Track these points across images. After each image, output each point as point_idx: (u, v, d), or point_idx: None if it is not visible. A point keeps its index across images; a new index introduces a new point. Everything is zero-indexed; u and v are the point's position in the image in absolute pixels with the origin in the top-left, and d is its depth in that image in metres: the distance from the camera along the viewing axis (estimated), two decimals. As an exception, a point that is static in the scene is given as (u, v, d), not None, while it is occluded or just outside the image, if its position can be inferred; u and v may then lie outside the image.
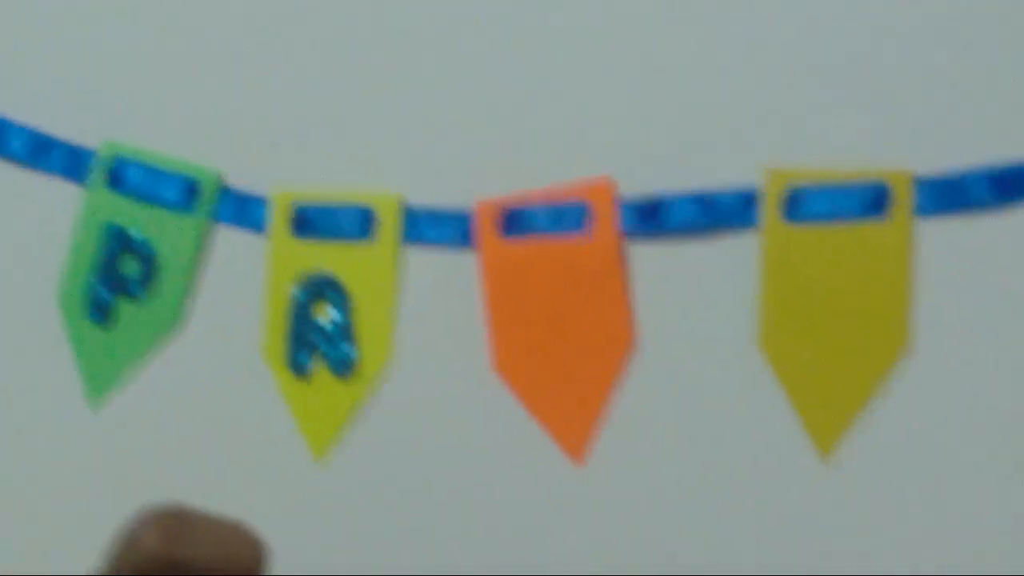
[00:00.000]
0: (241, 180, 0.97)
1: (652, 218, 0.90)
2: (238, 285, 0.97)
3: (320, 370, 0.95)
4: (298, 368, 0.95)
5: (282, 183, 0.96)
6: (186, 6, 0.98)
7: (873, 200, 0.87)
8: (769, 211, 0.88)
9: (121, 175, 0.99)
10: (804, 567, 0.87)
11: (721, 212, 0.89)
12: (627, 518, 0.90)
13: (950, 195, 0.86)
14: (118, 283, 0.98)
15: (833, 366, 0.87)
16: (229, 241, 0.98)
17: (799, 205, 0.88)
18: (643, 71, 0.91)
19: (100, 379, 0.99)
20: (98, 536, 0.97)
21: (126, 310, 0.98)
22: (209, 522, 0.56)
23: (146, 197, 0.98)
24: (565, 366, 0.91)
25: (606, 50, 0.91)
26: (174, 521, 0.55)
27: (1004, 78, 0.85)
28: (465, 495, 0.93)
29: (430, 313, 0.94)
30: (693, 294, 0.90)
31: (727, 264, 0.89)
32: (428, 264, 0.94)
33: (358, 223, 0.95)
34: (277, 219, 0.96)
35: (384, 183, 0.95)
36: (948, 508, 0.86)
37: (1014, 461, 0.85)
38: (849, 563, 0.87)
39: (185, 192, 0.98)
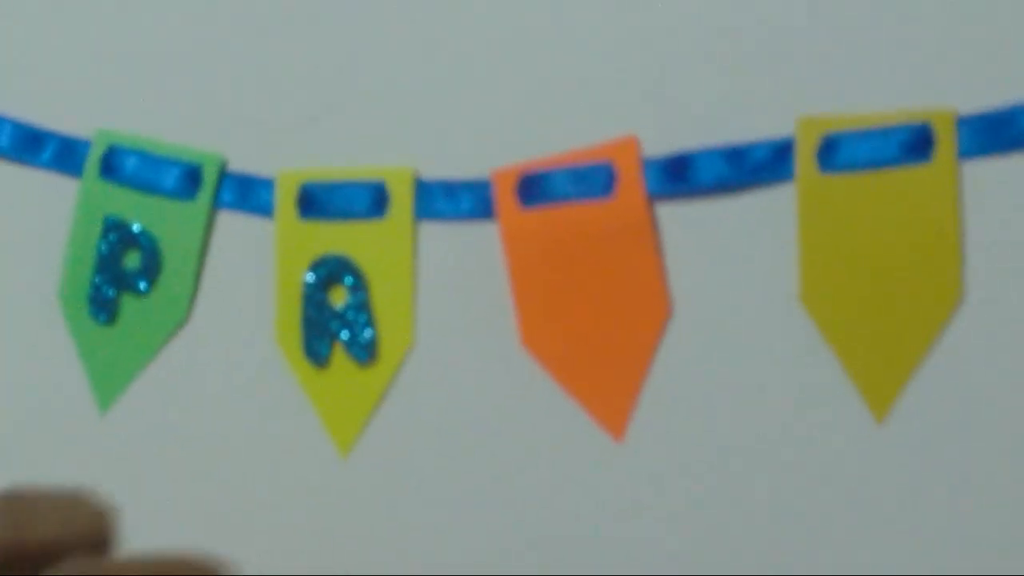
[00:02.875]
0: (244, 164, 0.93)
1: (680, 176, 0.86)
2: (247, 273, 0.93)
3: (339, 357, 0.91)
4: (316, 357, 0.91)
5: (287, 164, 0.92)
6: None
7: (914, 143, 0.82)
8: (803, 162, 0.84)
9: (117, 165, 0.95)
10: (863, 536, 0.83)
11: (753, 166, 0.85)
12: (672, 494, 0.86)
13: (996, 133, 0.81)
14: (121, 278, 0.94)
15: (883, 321, 0.83)
16: (235, 228, 0.94)
17: (835, 154, 0.83)
18: (663, 20, 0.86)
19: (108, 379, 0.96)
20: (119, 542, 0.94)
21: (131, 306, 0.94)
22: (48, 498, 0.54)
23: (145, 186, 0.94)
24: (598, 338, 0.87)
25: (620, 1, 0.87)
26: (14, 505, 0.54)
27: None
28: (501, 480, 0.89)
29: (451, 291, 0.90)
30: (729, 255, 0.85)
31: (763, 221, 0.85)
32: (445, 239, 0.90)
33: (369, 200, 0.91)
34: (283, 201, 0.92)
35: (394, 158, 0.91)
36: (1013, 469, 0.81)
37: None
38: (911, 529, 0.82)
39: (185, 178, 0.94)
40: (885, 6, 0.83)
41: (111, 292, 0.95)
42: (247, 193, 0.93)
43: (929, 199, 0.82)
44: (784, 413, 0.84)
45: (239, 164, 0.94)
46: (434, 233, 0.90)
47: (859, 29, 0.83)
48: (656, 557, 0.86)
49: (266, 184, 0.93)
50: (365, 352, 0.90)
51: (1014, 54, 0.81)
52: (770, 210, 0.85)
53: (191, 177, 0.94)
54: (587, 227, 0.87)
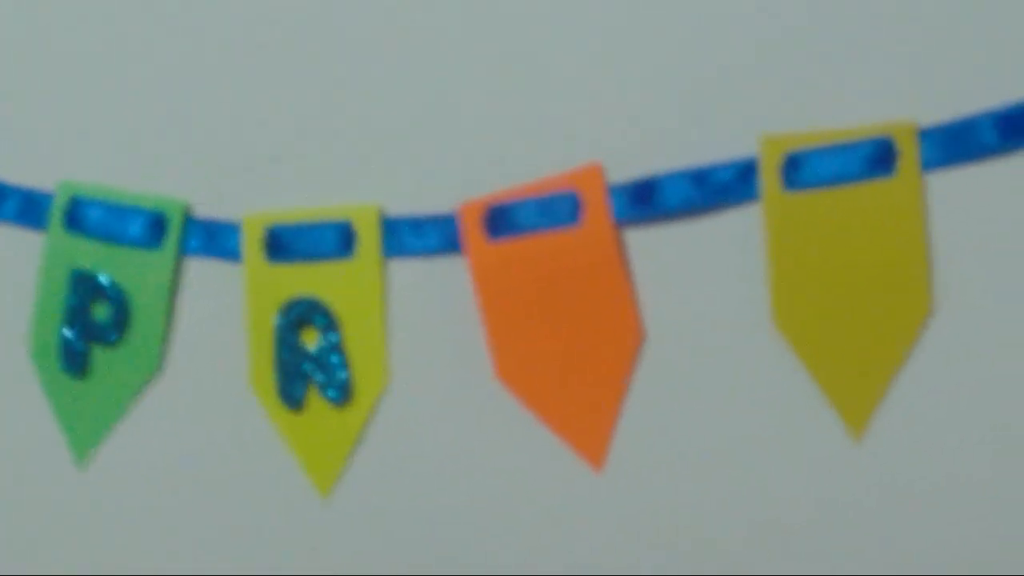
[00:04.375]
0: (208, 209, 0.93)
1: (646, 201, 0.86)
2: (217, 319, 0.93)
3: (314, 399, 0.90)
4: (291, 400, 0.91)
5: (251, 207, 0.92)
6: (130, 31, 0.94)
7: (878, 157, 0.83)
8: (768, 181, 0.84)
9: (81, 216, 0.94)
10: (846, 554, 0.83)
11: (718, 187, 0.85)
12: (655, 521, 0.86)
13: (957, 144, 0.82)
14: (91, 331, 0.93)
15: (855, 338, 0.83)
16: (202, 274, 0.93)
17: (799, 171, 0.84)
18: (622, 45, 0.86)
19: (83, 432, 0.95)
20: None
21: (102, 358, 0.94)
22: None
23: (110, 236, 0.94)
24: (572, 366, 0.87)
25: (581, 26, 0.87)
26: None
27: (1004, 17, 0.81)
28: (483, 514, 0.89)
29: (423, 327, 0.90)
30: (699, 277, 0.85)
31: (732, 242, 0.85)
32: (415, 276, 0.90)
33: (336, 240, 0.91)
34: (250, 245, 0.92)
35: (359, 195, 0.90)
36: (991, 480, 0.81)
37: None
38: (892, 545, 0.82)
39: (150, 227, 0.93)
40: (841, 23, 0.83)
41: (82, 345, 0.94)
42: (213, 238, 0.93)
43: (895, 212, 0.83)
44: (762, 433, 0.84)
45: (203, 209, 0.94)
46: (403, 270, 0.90)
47: (816, 46, 0.84)
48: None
49: (232, 228, 0.93)
50: (340, 393, 0.90)
51: (971, 64, 0.82)
52: (737, 230, 0.85)
53: (156, 225, 0.93)
54: (556, 257, 0.87)
